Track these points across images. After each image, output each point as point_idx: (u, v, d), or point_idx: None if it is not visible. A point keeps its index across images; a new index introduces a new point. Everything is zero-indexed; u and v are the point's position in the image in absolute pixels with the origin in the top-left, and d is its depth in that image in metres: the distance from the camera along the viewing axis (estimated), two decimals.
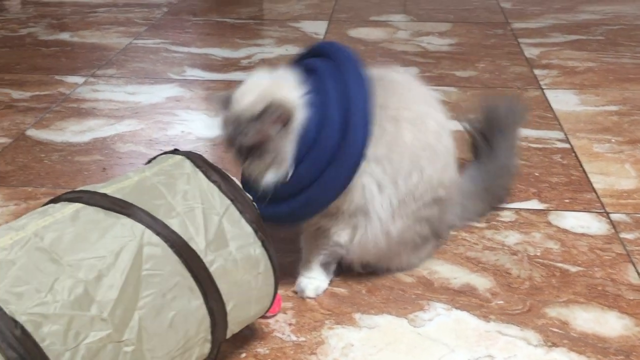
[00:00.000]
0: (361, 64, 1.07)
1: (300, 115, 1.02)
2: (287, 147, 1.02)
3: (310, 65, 1.09)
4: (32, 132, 1.72)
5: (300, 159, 1.02)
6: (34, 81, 2.06)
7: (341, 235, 1.10)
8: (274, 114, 1.00)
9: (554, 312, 1.09)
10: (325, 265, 1.13)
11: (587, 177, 1.49)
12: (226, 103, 1.06)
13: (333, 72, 1.05)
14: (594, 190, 1.44)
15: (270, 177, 1.03)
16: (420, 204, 1.10)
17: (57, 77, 2.09)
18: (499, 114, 1.35)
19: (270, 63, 2.17)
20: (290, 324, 1.06)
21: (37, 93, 1.98)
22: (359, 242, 1.10)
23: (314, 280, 1.13)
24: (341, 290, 1.14)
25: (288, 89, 1.04)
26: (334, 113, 1.01)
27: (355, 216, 1.08)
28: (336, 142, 1.00)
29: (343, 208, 1.07)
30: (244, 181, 1.08)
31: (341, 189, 1.03)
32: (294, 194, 1.03)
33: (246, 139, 1.02)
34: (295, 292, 1.13)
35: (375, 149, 1.04)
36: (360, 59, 1.08)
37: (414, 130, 1.09)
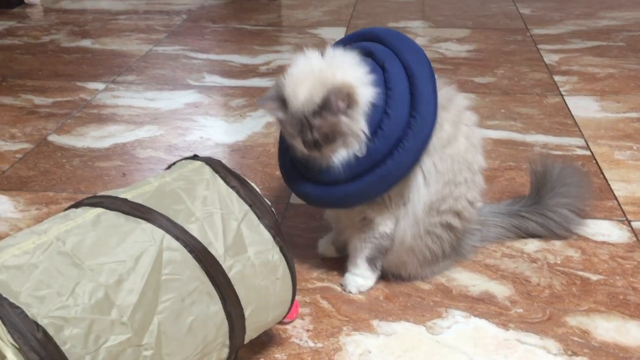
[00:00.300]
0: (416, 44, 1.06)
1: (366, 93, 1.00)
2: (357, 125, 1.00)
3: (363, 47, 1.06)
4: (53, 138, 1.75)
5: (369, 136, 1.00)
6: (55, 87, 2.09)
7: (387, 224, 1.08)
8: (337, 100, 0.98)
9: (574, 320, 1.08)
10: (370, 261, 1.12)
11: (608, 185, 1.47)
12: (281, 101, 1.02)
13: (390, 53, 1.03)
14: (615, 197, 1.42)
15: (341, 156, 1.02)
16: (437, 220, 1.09)
17: (79, 84, 2.12)
18: (551, 175, 1.27)
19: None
20: (307, 330, 1.06)
21: (58, 99, 2.00)
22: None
23: (358, 278, 1.13)
24: (359, 296, 1.14)
25: (346, 69, 1.01)
26: (400, 88, 1.00)
27: (399, 206, 1.07)
28: (406, 117, 1.00)
29: (390, 195, 1.06)
30: (304, 165, 1.06)
31: (415, 161, 1.02)
32: (366, 171, 1.02)
33: (314, 133, 1.00)
34: (343, 284, 1.14)
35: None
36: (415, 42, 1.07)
37: (468, 146, 1.08)
